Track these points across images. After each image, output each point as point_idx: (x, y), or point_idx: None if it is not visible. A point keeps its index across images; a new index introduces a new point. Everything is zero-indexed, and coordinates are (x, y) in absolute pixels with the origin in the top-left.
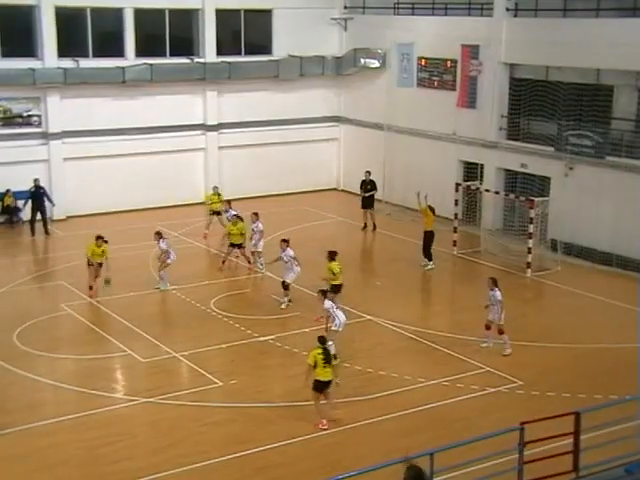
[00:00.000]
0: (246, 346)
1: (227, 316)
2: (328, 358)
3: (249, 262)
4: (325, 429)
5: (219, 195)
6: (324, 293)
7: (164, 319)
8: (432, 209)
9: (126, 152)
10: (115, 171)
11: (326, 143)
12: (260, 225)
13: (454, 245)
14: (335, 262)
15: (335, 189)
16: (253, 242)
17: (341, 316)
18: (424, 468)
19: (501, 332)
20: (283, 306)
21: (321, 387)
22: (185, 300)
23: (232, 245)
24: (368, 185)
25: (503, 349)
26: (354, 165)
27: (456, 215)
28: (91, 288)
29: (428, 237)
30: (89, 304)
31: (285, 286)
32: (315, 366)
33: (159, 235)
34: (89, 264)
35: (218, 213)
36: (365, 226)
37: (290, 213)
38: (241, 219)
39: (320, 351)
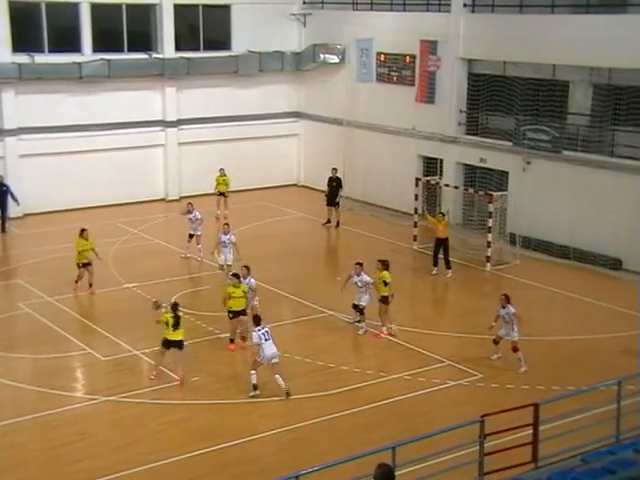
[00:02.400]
0: (208, 343)
1: (188, 313)
2: (178, 323)
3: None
4: (153, 379)
5: (224, 176)
6: (257, 319)
7: (124, 317)
8: (443, 214)
9: (84, 149)
10: (73, 168)
11: (286, 139)
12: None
13: (414, 240)
14: (387, 272)
15: (295, 185)
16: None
17: (268, 351)
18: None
19: (515, 349)
20: (361, 332)
21: (168, 345)
22: (146, 298)
23: None
24: (334, 182)
25: (519, 367)
26: (314, 161)
27: (416, 210)
28: (77, 282)
29: (439, 244)
30: (47, 303)
31: (360, 310)
32: (167, 325)
33: (247, 270)
34: (79, 266)
35: (224, 194)
36: (328, 221)
37: (251, 209)
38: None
39: (172, 314)
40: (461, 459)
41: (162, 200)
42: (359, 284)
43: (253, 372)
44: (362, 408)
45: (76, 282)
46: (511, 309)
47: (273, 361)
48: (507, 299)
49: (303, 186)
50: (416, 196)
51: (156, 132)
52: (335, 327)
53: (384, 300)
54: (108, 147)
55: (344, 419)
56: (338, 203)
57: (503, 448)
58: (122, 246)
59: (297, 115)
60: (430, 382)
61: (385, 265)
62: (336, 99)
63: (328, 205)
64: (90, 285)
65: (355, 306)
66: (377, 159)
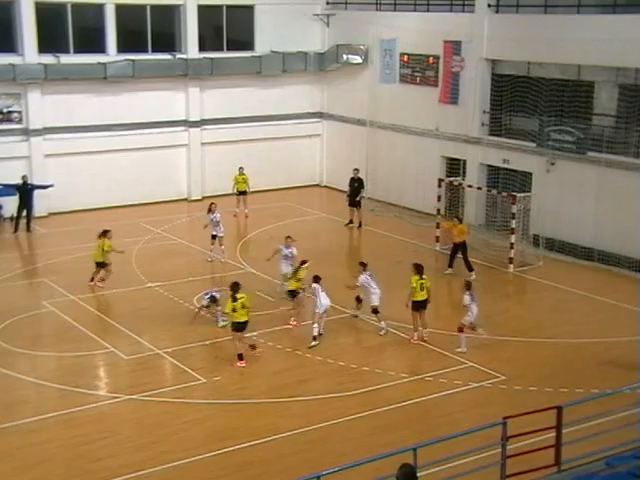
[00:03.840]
0: (229, 343)
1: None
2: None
3: (101, 280)
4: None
5: (244, 175)
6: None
7: (147, 316)
8: (459, 219)
9: (108, 148)
10: (97, 168)
11: (309, 139)
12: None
13: (436, 241)
14: (417, 276)
15: (318, 185)
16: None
17: (324, 300)
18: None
19: (460, 330)
20: (382, 332)
21: (239, 328)
22: (168, 297)
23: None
24: (356, 183)
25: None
26: (337, 161)
27: (438, 211)
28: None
29: (456, 248)
30: (71, 301)
31: (375, 311)
32: (234, 310)
33: (364, 267)
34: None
35: (244, 193)
36: (350, 222)
37: (273, 209)
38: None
39: (244, 296)
40: (483, 461)
41: (185, 200)
42: (357, 284)
43: (315, 325)
44: (383, 409)
45: (102, 280)
46: (466, 297)
47: (325, 310)
48: (467, 285)
49: (326, 186)
50: (439, 197)
51: (179, 132)
52: (357, 328)
53: (412, 305)
54: (132, 147)
55: (365, 420)
56: (360, 204)
57: (525, 451)
58: (145, 245)
59: (320, 115)
60: (452, 383)
61: (417, 269)
62: (359, 100)
63: (350, 206)
64: (101, 280)
65: (357, 298)
66: (400, 160)
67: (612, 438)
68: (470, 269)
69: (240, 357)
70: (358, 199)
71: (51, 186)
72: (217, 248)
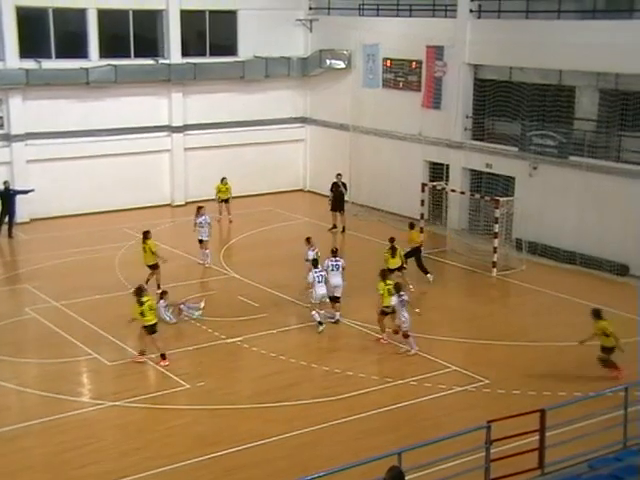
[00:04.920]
0: (214, 348)
1: (194, 318)
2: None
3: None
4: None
5: (227, 185)
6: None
7: (131, 322)
8: (412, 225)
9: (91, 154)
10: (80, 173)
11: (292, 144)
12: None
13: (420, 245)
14: (382, 283)
15: (301, 190)
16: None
17: (319, 290)
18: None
19: (403, 335)
20: (333, 321)
21: (151, 330)
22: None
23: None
24: (339, 188)
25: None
26: (320, 166)
27: (422, 215)
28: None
29: (411, 253)
30: (53, 308)
31: (334, 299)
32: (142, 314)
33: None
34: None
35: (226, 201)
36: (334, 227)
37: (257, 214)
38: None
39: (149, 298)
40: (467, 465)
41: (168, 205)
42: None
43: (314, 312)
44: (368, 413)
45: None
46: (394, 298)
47: (324, 299)
48: (398, 287)
49: (309, 191)
50: (422, 201)
51: (162, 137)
52: (340, 332)
53: (380, 310)
54: (115, 152)
55: (350, 424)
56: (343, 208)
57: (509, 454)
58: (128, 251)
59: (303, 120)
60: (436, 388)
61: (382, 275)
62: (342, 104)
63: (332, 210)
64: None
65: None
66: (383, 164)
67: (595, 441)
68: (425, 272)
69: (163, 357)
70: (341, 202)
71: (32, 191)
72: (202, 252)
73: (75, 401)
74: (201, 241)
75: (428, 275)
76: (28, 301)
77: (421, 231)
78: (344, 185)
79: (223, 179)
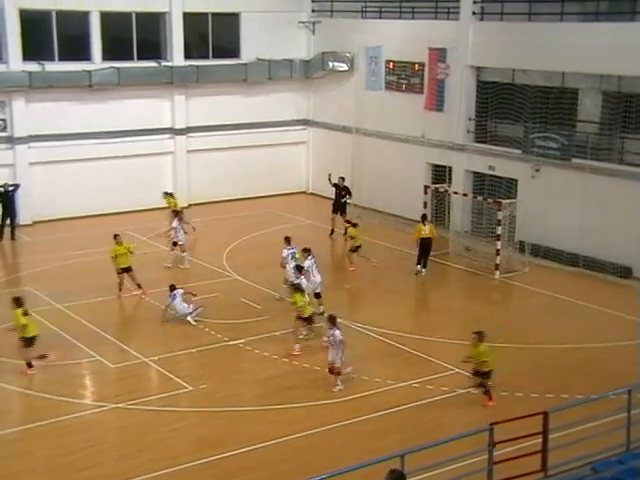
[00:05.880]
0: (216, 350)
1: (197, 320)
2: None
3: (139, 287)
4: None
5: (172, 198)
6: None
7: (133, 324)
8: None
9: (94, 156)
10: (83, 175)
11: (295, 146)
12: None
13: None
14: (299, 295)
15: (304, 192)
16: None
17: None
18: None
19: (336, 372)
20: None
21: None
22: (154, 305)
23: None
24: (342, 191)
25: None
26: (323, 168)
27: (424, 216)
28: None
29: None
30: (56, 310)
31: (317, 295)
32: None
33: (308, 252)
34: (119, 272)
35: (179, 212)
36: (332, 232)
37: (259, 216)
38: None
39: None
40: (470, 467)
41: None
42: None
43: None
44: (371, 416)
45: (119, 289)
46: (337, 332)
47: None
48: (333, 321)
49: (312, 193)
50: (425, 204)
51: (165, 140)
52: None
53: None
54: (117, 155)
55: (353, 427)
56: (345, 211)
57: (512, 457)
58: (180, 252)
59: (306, 123)
60: (438, 390)
61: (295, 288)
62: (345, 107)
63: (334, 213)
64: (138, 286)
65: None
66: (386, 167)
67: (598, 443)
68: (420, 263)
69: (29, 365)
70: (343, 206)
71: (18, 185)
72: (178, 255)
73: (77, 403)
74: (175, 244)
75: (418, 266)
76: (31, 303)
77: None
78: (347, 189)
79: (169, 194)
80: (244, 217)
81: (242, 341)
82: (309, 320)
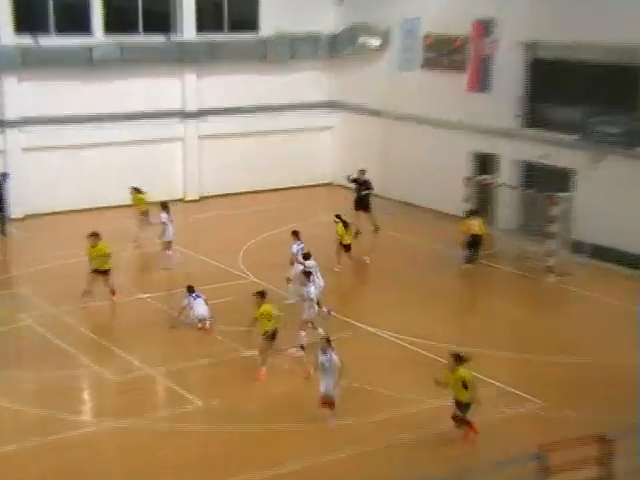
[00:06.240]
0: (229, 361)
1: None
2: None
3: (112, 293)
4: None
5: (141, 195)
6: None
7: (138, 331)
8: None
9: (93, 142)
10: (81, 164)
11: (319, 132)
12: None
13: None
14: (268, 306)
15: (329, 184)
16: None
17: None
18: None
19: (329, 405)
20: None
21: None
22: (162, 310)
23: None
24: (362, 185)
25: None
26: (350, 157)
27: (467, 213)
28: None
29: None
30: (51, 314)
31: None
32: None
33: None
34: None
35: (146, 212)
36: (358, 232)
37: (279, 211)
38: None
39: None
40: None
41: (180, 200)
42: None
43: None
44: (404, 436)
45: (82, 295)
46: (333, 356)
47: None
48: (329, 342)
49: (338, 185)
50: (466, 197)
51: (174, 124)
52: (371, 344)
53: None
54: (120, 140)
55: (381, 448)
56: (369, 207)
57: None
58: (135, 252)
59: (332, 106)
60: (483, 408)
61: (261, 295)
62: (376, 88)
63: (356, 210)
64: (112, 292)
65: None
66: (421, 155)
67: None
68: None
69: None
70: (366, 202)
71: (7, 174)
72: (164, 254)
73: (74, 420)
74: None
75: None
76: (23, 307)
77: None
78: (367, 183)
79: (137, 189)
80: (262, 212)
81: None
82: (272, 337)
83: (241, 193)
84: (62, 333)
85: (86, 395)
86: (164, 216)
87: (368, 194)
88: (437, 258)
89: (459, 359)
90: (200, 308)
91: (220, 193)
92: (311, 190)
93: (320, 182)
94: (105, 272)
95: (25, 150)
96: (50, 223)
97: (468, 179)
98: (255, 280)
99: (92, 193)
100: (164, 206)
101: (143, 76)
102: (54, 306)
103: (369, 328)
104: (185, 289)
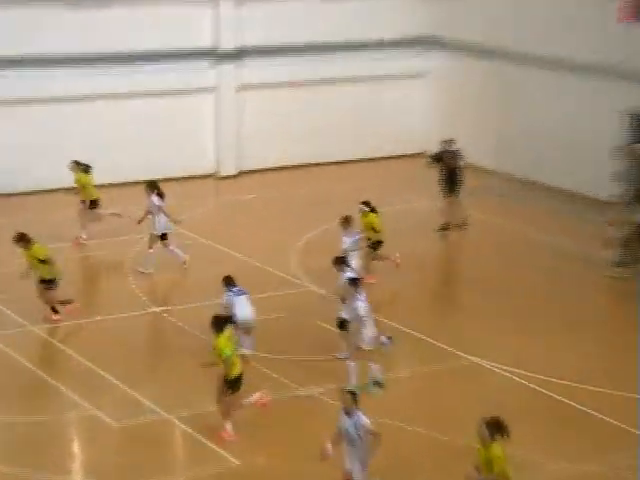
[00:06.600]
0: (279, 403)
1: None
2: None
3: (53, 310)
4: None
5: (83, 169)
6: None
7: (148, 358)
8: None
9: (90, 93)
10: (72, 124)
11: (407, 81)
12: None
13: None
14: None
15: (420, 155)
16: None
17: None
18: None
19: None
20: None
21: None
22: (181, 329)
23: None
24: (451, 161)
25: None
26: (451, 116)
27: (622, 197)
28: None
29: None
30: (30, 334)
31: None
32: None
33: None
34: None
35: (95, 202)
36: (447, 227)
37: (346, 192)
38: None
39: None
40: None
41: (211, 176)
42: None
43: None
44: None
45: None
46: (363, 419)
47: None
48: (354, 398)
49: None
50: (618, 174)
51: (203, 69)
52: (482, 384)
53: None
54: (128, 92)
55: None
56: (457, 191)
57: None
58: (147, 248)
59: (426, 43)
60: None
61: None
62: (489, 17)
63: (447, 195)
64: (53, 310)
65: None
66: (553, 114)
67: None
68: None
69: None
70: (455, 182)
71: None
72: (149, 254)
73: None
74: (163, 236)
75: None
76: None
77: None
78: (456, 155)
79: (85, 166)
80: (323, 193)
81: (319, 390)
82: (234, 386)
83: (295, 167)
84: (45, 360)
85: (76, 448)
86: (155, 199)
87: (459, 172)
88: (572, 261)
89: (495, 429)
90: (244, 309)
91: (266, 167)
92: (394, 163)
93: (408, 152)
94: (48, 282)
95: None
96: (27, 206)
97: (621, 149)
98: (312, 288)
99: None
100: (153, 187)
101: (159, 2)
102: (34, 321)
103: (478, 360)
104: (222, 283)
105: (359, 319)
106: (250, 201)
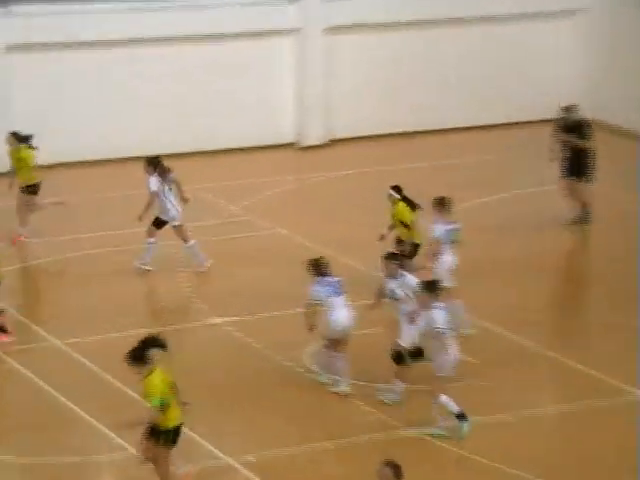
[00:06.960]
0: (382, 445)
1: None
2: None
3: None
4: None
5: (25, 144)
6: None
7: (208, 384)
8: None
9: (129, 37)
10: (103, 79)
11: (549, 22)
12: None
13: None
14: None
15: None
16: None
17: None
18: None
19: None
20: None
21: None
22: (250, 346)
23: None
24: (574, 132)
25: None
26: (608, 70)
27: None
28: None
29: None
30: (51, 349)
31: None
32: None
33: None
34: None
35: (35, 187)
36: (587, 214)
37: (467, 169)
38: None
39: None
40: None
41: (290, 146)
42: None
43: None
44: None
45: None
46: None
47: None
48: (398, 471)
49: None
50: None
51: (278, 6)
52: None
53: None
54: (178, 35)
55: None
56: (586, 174)
57: None
58: (208, 239)
59: None
60: None
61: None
62: None
63: (569, 177)
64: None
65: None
66: None
67: None
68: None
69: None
70: (580, 161)
71: None
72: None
73: None
74: (160, 223)
75: None
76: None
77: None
78: (581, 127)
79: (24, 139)
80: (438, 169)
81: (434, 430)
82: (168, 440)
83: (400, 134)
84: (67, 381)
85: None
86: (153, 182)
87: (585, 144)
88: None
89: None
90: (340, 311)
91: (363, 134)
92: (531, 130)
93: (547, 117)
94: None
95: (10, 48)
96: (46, 184)
97: None
98: None
99: (125, 134)
100: (153, 164)
101: None
102: (57, 336)
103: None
104: (310, 268)
105: (438, 336)
106: (341, 179)
